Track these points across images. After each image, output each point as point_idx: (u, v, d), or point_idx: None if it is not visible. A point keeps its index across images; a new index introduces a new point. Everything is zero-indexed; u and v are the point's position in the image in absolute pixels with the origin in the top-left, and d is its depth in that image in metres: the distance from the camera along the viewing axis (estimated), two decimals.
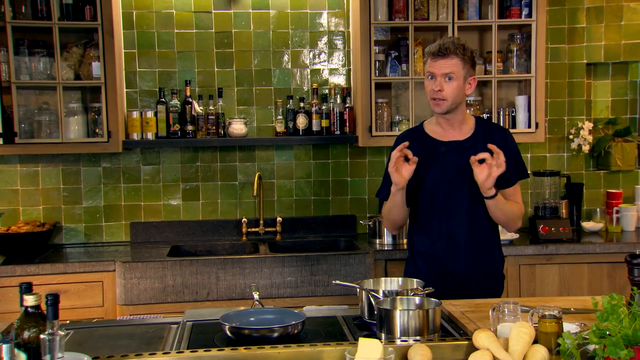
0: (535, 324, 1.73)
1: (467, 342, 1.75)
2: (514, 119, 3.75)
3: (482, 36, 3.85)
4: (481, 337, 1.67)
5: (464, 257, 2.45)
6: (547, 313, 1.69)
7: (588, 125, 3.90)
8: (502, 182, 2.42)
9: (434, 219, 2.47)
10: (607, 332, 1.49)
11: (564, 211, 3.73)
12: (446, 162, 2.45)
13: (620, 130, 3.95)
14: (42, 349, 1.44)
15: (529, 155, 3.97)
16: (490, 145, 2.29)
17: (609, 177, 4.01)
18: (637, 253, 1.96)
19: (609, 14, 3.94)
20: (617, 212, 3.70)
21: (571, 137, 3.96)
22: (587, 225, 3.71)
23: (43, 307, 1.53)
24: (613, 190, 3.86)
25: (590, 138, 3.90)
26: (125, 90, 3.72)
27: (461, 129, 2.48)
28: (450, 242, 2.46)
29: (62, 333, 1.45)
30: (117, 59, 3.51)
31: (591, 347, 1.58)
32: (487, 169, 2.28)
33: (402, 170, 2.33)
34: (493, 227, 2.51)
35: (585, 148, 3.91)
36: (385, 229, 3.52)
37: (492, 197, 2.34)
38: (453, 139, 2.47)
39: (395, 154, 2.31)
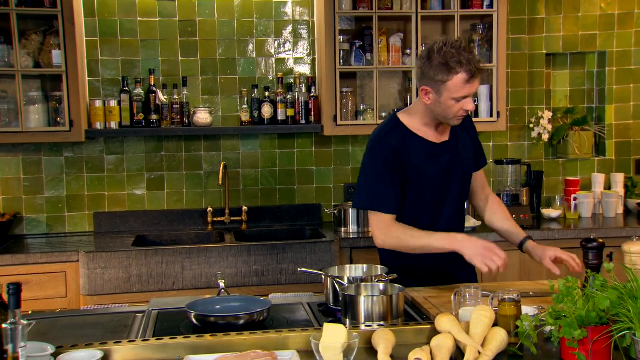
0: (495, 307, 1.78)
1: (429, 327, 1.79)
2: (476, 108, 3.81)
3: (445, 26, 3.89)
4: (443, 321, 1.72)
5: (454, 257, 2.34)
6: (506, 297, 1.74)
7: (547, 114, 3.99)
8: (478, 164, 2.47)
9: (429, 221, 2.34)
10: (563, 314, 1.55)
11: (524, 199, 3.82)
12: (441, 163, 2.33)
13: (578, 120, 4.06)
14: (4, 338, 1.43)
15: (490, 144, 4.04)
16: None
17: (567, 165, 4.12)
18: (592, 238, 2.03)
19: (567, 5, 4.03)
20: (575, 199, 3.80)
21: (531, 126, 4.04)
22: (547, 212, 3.81)
23: (4, 297, 1.52)
24: (571, 178, 3.97)
25: (549, 127, 3.99)
26: (87, 78, 3.67)
27: (445, 130, 2.36)
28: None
29: (25, 323, 1.44)
30: (79, 47, 3.46)
31: (548, 328, 1.64)
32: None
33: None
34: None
35: (545, 137, 4.00)
36: (350, 218, 3.54)
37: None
38: (443, 140, 2.35)
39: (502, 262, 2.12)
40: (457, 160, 2.36)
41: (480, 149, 2.51)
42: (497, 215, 2.50)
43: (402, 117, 2.36)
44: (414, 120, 2.34)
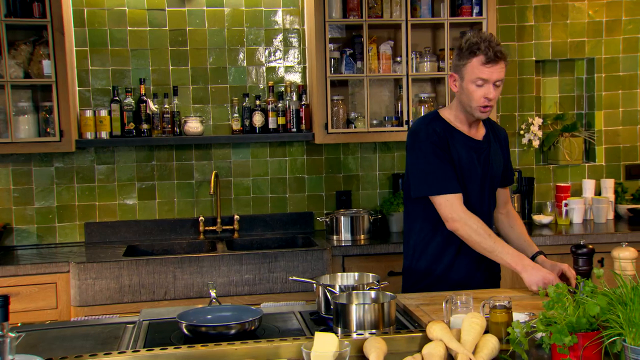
0: (486, 314, 1.78)
1: (421, 334, 1.79)
2: None
3: (435, 34, 3.91)
4: (434, 329, 1.71)
5: (470, 258, 2.41)
6: (497, 304, 1.74)
7: (538, 120, 4.01)
8: (506, 181, 2.53)
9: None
10: (554, 320, 1.55)
11: (516, 205, 3.84)
12: (472, 160, 2.38)
13: (568, 126, 4.08)
14: None
15: None
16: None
17: (558, 171, 4.14)
18: (582, 244, 2.04)
19: (555, 12, 4.06)
20: (566, 205, 3.82)
21: (522, 132, 4.06)
22: (538, 218, 3.82)
23: None
24: (562, 184, 3.98)
25: (540, 133, 4.01)
26: (77, 88, 3.66)
27: (478, 130, 2.44)
28: (461, 241, 2.37)
29: (13, 335, 1.43)
30: (69, 57, 3.45)
31: (539, 335, 1.64)
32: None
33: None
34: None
35: (535, 143, 4.02)
36: (342, 226, 3.55)
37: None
38: (479, 138, 2.43)
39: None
40: (486, 161, 2.40)
41: (509, 166, 2.56)
42: (514, 229, 2.56)
43: (442, 111, 2.46)
44: (451, 115, 2.42)
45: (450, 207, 2.28)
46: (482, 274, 2.47)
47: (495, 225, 2.61)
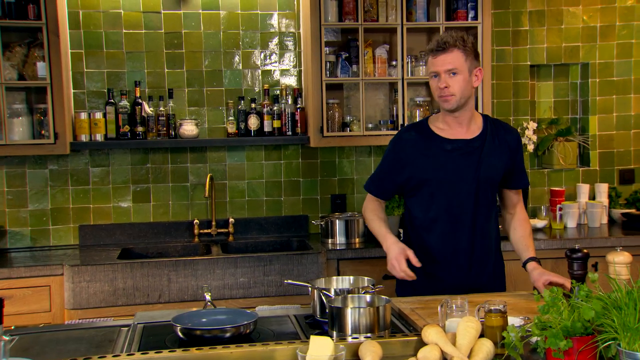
0: (481, 318, 1.78)
1: (416, 338, 1.79)
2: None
3: (430, 38, 3.92)
4: (430, 333, 1.71)
5: (464, 260, 2.42)
6: (492, 308, 1.75)
7: (532, 125, 4.02)
8: (515, 183, 2.50)
9: (436, 219, 2.41)
10: (549, 325, 1.55)
11: None
12: (451, 160, 2.38)
13: (562, 130, 4.10)
14: None
15: None
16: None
17: (552, 176, 4.15)
18: (577, 248, 2.04)
19: (550, 17, 4.08)
20: (560, 209, 3.83)
21: None
22: (533, 222, 3.82)
23: None
24: (556, 188, 3.99)
25: (534, 138, 4.02)
26: (72, 91, 3.65)
27: (469, 128, 2.42)
28: (451, 243, 2.41)
29: (7, 338, 1.42)
30: (64, 59, 3.44)
31: (534, 339, 1.64)
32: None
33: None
34: (495, 229, 2.51)
35: (530, 147, 4.03)
36: (337, 229, 3.55)
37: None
38: (460, 137, 2.40)
39: (403, 269, 2.31)
40: (474, 162, 2.37)
41: (519, 170, 2.50)
42: (516, 231, 2.54)
43: (432, 116, 2.52)
44: (437, 117, 2.48)
45: (365, 205, 2.61)
46: (478, 276, 2.46)
47: (504, 225, 2.62)
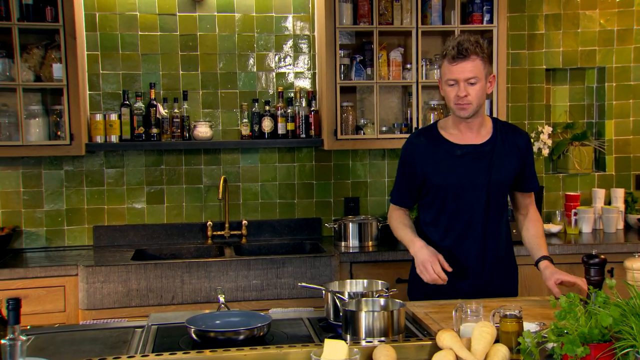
0: (496, 323, 1.77)
1: (430, 342, 1.78)
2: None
3: (445, 41, 3.90)
4: (444, 337, 1.70)
5: (476, 264, 2.41)
6: (508, 313, 1.73)
7: (547, 129, 3.99)
8: (526, 186, 2.48)
9: (448, 223, 2.40)
10: (565, 331, 1.54)
11: None
12: (462, 165, 2.36)
13: (578, 135, 4.06)
14: (2, 354, 1.42)
15: None
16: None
17: (567, 180, 4.12)
18: (594, 254, 2.03)
19: (566, 21, 4.05)
20: (575, 214, 3.80)
21: (532, 140, 4.04)
22: (547, 227, 3.79)
23: (3, 312, 1.51)
24: (571, 193, 3.96)
25: (549, 142, 4.00)
26: (88, 92, 3.67)
27: (479, 132, 2.39)
28: (463, 247, 2.40)
29: (24, 338, 1.43)
30: (80, 60, 3.46)
31: (550, 345, 1.63)
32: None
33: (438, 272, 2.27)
34: (506, 233, 2.50)
35: (545, 152, 4.00)
36: (350, 232, 3.55)
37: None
38: (470, 142, 2.38)
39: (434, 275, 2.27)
40: (485, 167, 2.36)
41: (530, 173, 2.49)
42: (529, 231, 2.52)
43: (441, 121, 2.50)
44: (445, 122, 2.46)
45: (390, 215, 2.57)
46: (490, 280, 2.44)
47: (517, 226, 2.61)
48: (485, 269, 2.43)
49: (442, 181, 2.38)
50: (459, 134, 2.40)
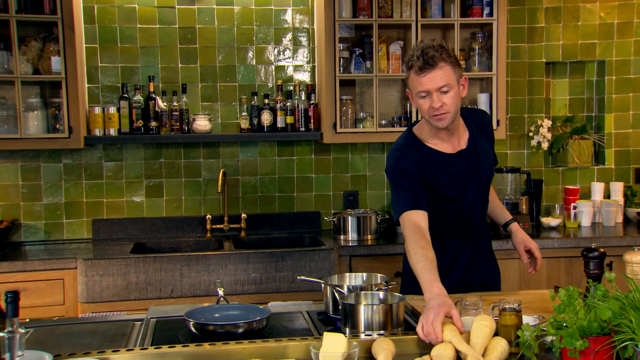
0: (496, 317, 1.77)
1: None
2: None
3: (445, 34, 3.90)
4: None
5: (467, 260, 2.41)
6: (507, 306, 1.73)
7: (547, 123, 3.99)
8: (492, 175, 2.48)
9: (446, 224, 2.35)
10: (564, 324, 1.54)
11: (524, 207, 3.81)
12: (457, 173, 2.29)
13: (578, 128, 4.06)
14: (1, 347, 1.41)
15: None
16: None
17: (567, 174, 4.11)
18: (593, 247, 2.02)
19: (566, 14, 4.04)
20: (575, 207, 3.80)
21: (531, 134, 4.04)
22: (546, 220, 3.80)
23: (2, 305, 1.51)
24: (571, 187, 3.96)
25: (549, 135, 3.99)
26: (86, 85, 3.66)
27: (460, 135, 2.31)
28: (458, 246, 2.38)
29: (23, 331, 1.43)
30: (78, 53, 3.45)
31: (549, 338, 1.63)
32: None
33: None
34: (487, 226, 2.51)
35: (545, 145, 4.00)
36: (349, 226, 3.54)
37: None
38: (458, 149, 2.30)
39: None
40: (475, 168, 2.33)
41: (493, 149, 2.50)
42: (491, 203, 2.55)
43: (416, 129, 2.35)
44: (423, 130, 2.32)
45: (403, 225, 2.18)
46: (478, 273, 2.44)
47: None
48: (474, 263, 2.43)
49: (441, 194, 2.29)
50: (442, 144, 2.29)
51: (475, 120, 2.41)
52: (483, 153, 2.37)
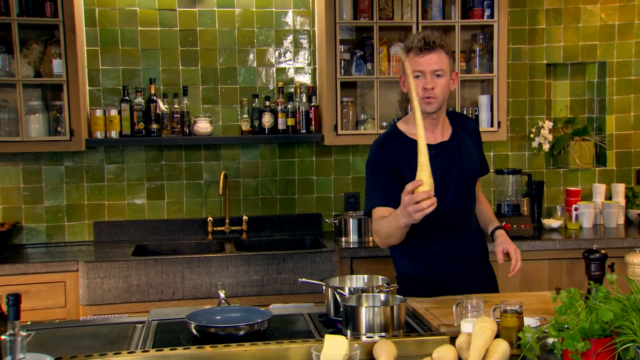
0: (497, 319, 1.77)
1: (431, 338, 1.78)
2: (477, 118, 3.81)
3: (446, 36, 3.85)
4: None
5: (459, 258, 2.42)
6: (508, 308, 1.73)
7: (548, 124, 3.99)
8: (480, 172, 2.51)
9: (431, 221, 2.27)
10: (566, 326, 1.54)
11: (525, 209, 3.81)
12: (437, 165, 2.28)
13: (579, 130, 4.06)
14: (2, 350, 1.42)
15: (491, 154, 4.04)
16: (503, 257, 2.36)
17: (568, 175, 4.11)
18: (594, 249, 2.02)
19: (567, 15, 4.04)
20: (576, 209, 3.80)
21: (532, 136, 4.04)
22: (548, 222, 3.80)
23: (3, 307, 1.51)
24: (572, 188, 3.96)
25: (550, 137, 3.99)
26: (88, 88, 3.67)
27: (444, 128, 2.41)
28: (446, 243, 2.40)
29: (24, 334, 1.43)
30: (80, 56, 3.46)
31: (550, 340, 1.63)
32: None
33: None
34: (479, 225, 2.55)
35: (546, 147, 3.99)
36: (350, 228, 3.54)
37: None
38: (440, 141, 2.38)
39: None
40: (457, 163, 2.37)
41: (482, 158, 2.55)
42: (480, 207, 2.57)
43: (400, 124, 2.45)
44: (410, 126, 2.38)
45: (373, 222, 2.35)
46: (472, 273, 2.45)
47: None
48: (466, 262, 2.44)
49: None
50: (428, 135, 2.30)
51: (461, 122, 2.49)
52: (466, 150, 2.41)
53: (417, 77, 2.27)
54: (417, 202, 1.98)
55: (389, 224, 2.22)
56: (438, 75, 2.27)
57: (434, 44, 2.24)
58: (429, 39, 2.25)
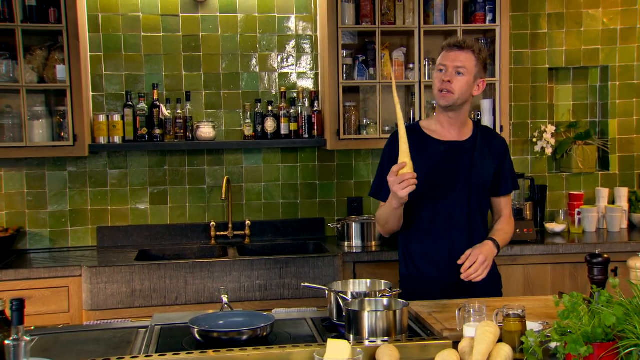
0: (500, 323, 1.77)
1: (434, 342, 1.78)
2: (479, 122, 3.80)
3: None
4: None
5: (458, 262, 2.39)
6: (511, 312, 1.73)
7: (550, 128, 3.99)
8: (500, 190, 2.49)
9: (431, 221, 2.42)
10: (568, 330, 1.54)
11: (528, 213, 3.80)
12: (444, 162, 2.40)
13: (581, 134, 4.06)
14: (6, 355, 1.42)
15: None
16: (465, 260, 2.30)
17: (571, 179, 4.11)
18: (597, 253, 2.02)
19: (569, 20, 4.04)
20: (579, 213, 3.79)
21: (534, 140, 4.04)
22: (551, 226, 3.79)
23: (7, 312, 1.51)
24: (575, 192, 3.96)
25: (552, 141, 3.99)
26: (91, 93, 3.68)
27: (461, 130, 2.45)
28: (448, 244, 2.41)
29: (28, 339, 1.43)
30: (83, 62, 3.47)
31: (553, 344, 1.63)
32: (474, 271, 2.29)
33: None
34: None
35: (548, 151, 3.99)
36: (353, 232, 3.55)
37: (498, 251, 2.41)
38: (452, 139, 2.44)
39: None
40: (466, 163, 2.39)
41: (505, 176, 2.51)
42: (497, 224, 2.54)
43: (422, 122, 2.54)
44: (431, 122, 2.50)
45: (379, 207, 2.48)
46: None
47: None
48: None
49: (425, 175, 2.36)
50: (441, 131, 2.45)
51: (486, 134, 2.51)
52: (480, 158, 2.43)
53: (440, 70, 2.36)
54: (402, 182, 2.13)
55: (385, 210, 2.38)
56: (459, 73, 2.33)
57: (465, 44, 2.35)
58: (462, 40, 2.37)
